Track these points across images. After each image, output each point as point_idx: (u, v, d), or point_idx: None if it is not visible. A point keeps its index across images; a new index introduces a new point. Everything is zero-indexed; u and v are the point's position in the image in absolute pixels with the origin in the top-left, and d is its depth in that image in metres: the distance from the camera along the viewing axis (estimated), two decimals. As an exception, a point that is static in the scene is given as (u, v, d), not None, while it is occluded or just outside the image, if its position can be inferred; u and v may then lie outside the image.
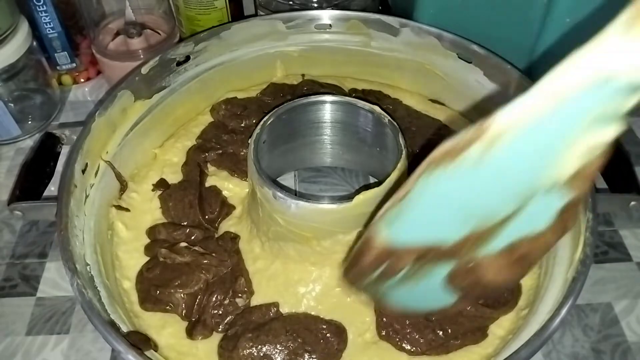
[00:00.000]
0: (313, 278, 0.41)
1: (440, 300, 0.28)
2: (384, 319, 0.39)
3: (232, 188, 0.48)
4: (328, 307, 0.40)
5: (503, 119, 0.19)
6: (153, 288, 0.40)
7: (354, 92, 0.54)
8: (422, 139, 0.50)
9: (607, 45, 0.17)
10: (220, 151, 0.49)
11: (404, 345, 0.38)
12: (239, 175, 0.48)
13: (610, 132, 0.18)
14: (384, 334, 0.39)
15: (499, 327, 0.39)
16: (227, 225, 0.45)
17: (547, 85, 0.18)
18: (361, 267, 0.27)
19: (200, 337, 0.39)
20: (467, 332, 0.39)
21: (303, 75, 0.56)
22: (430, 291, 0.27)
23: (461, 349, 0.38)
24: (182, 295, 0.40)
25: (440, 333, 0.38)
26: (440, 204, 0.22)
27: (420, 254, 0.24)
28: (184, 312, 0.40)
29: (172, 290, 0.40)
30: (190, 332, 0.39)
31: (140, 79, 0.47)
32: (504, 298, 0.40)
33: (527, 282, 0.41)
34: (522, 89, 0.45)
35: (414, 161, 0.46)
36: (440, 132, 0.51)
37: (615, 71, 0.17)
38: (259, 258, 0.42)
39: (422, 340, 0.38)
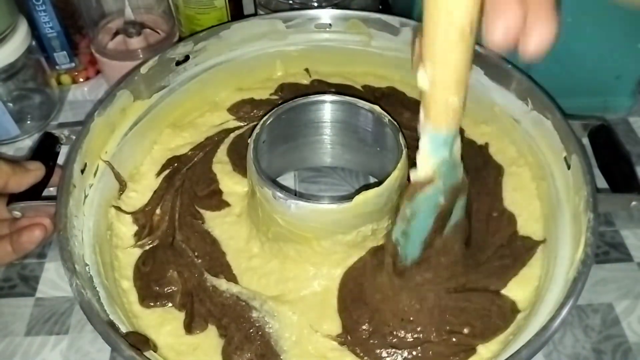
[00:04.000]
0: (310, 277, 0.41)
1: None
2: (348, 336, 0.38)
3: (231, 185, 0.47)
4: (308, 306, 0.40)
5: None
6: (153, 283, 0.41)
7: (369, 91, 0.54)
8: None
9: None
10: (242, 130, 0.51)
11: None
12: (240, 171, 0.48)
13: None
14: (356, 348, 0.38)
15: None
16: (226, 223, 0.45)
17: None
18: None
19: (198, 331, 0.39)
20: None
21: (307, 69, 0.55)
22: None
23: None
24: (175, 275, 0.41)
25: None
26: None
27: None
28: (179, 296, 0.40)
29: (167, 274, 0.41)
30: (189, 327, 0.39)
31: (140, 79, 0.47)
32: (494, 325, 0.38)
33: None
34: (522, 87, 0.46)
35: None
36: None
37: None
38: (255, 257, 0.42)
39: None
